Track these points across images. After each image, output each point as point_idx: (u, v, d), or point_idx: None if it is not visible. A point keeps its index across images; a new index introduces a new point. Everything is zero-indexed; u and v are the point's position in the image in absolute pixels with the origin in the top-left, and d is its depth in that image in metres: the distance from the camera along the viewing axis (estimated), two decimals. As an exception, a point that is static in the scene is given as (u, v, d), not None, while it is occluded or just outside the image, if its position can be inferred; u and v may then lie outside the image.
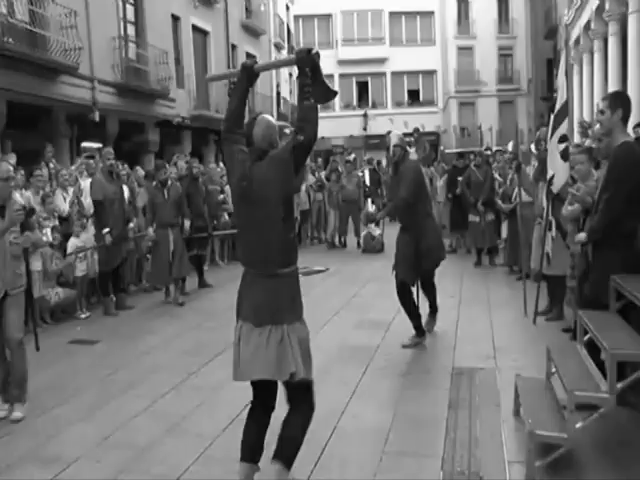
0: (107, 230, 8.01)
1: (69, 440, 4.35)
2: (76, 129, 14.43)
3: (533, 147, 8.62)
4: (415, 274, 6.23)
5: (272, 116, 3.54)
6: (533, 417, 3.73)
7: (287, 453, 3.27)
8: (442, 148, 22.37)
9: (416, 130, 12.82)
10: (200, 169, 11.04)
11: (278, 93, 28.63)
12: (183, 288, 9.04)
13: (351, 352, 6.11)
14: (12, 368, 4.87)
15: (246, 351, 3.25)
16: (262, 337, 3.21)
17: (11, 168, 5.16)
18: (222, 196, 11.78)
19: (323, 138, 36.66)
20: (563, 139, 6.40)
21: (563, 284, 6.73)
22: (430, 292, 6.61)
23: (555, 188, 6.44)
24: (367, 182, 16.17)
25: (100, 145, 14.73)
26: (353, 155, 18.38)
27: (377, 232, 12.90)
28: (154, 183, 8.91)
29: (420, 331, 6.30)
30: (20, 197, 7.83)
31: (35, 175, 8.35)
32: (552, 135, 6.48)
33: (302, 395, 3.38)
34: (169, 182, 8.78)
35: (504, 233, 10.27)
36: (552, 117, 6.60)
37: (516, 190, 8.41)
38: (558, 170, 6.38)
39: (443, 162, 15.42)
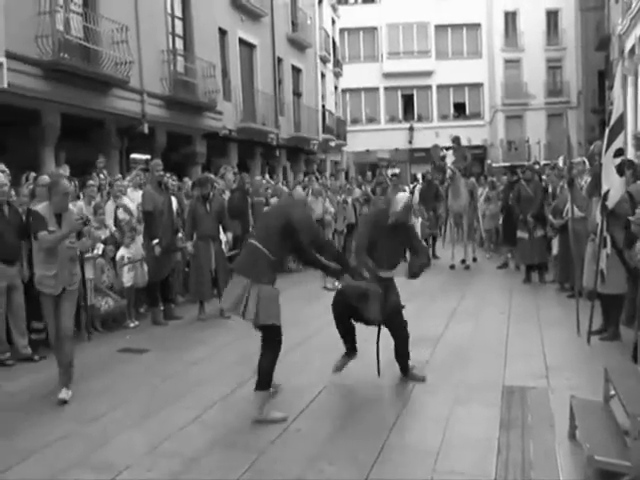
0: (157, 241, 8.07)
1: (119, 448, 4.40)
2: (126, 141, 14.77)
3: (586, 161, 8.42)
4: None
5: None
6: (591, 441, 3.60)
7: (259, 379, 4.78)
8: (489, 162, 22.08)
9: (456, 139, 12.54)
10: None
11: (323, 106, 28.77)
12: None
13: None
14: (61, 355, 5.38)
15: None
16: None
17: (70, 185, 5.71)
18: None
19: (368, 151, 36.72)
20: (619, 153, 6.23)
21: (618, 303, 6.52)
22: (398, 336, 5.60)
23: (610, 204, 6.26)
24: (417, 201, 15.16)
25: (149, 157, 15.04)
26: (398, 169, 18.27)
27: (423, 245, 12.58)
28: (195, 194, 8.85)
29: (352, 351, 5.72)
30: (73, 207, 8.06)
31: (88, 185, 8.53)
32: (607, 149, 6.31)
33: (267, 335, 4.84)
34: (211, 195, 8.55)
35: (554, 249, 10.02)
36: (607, 130, 6.43)
37: (568, 205, 8.20)
38: (613, 185, 6.21)
39: (490, 175, 15.26)
